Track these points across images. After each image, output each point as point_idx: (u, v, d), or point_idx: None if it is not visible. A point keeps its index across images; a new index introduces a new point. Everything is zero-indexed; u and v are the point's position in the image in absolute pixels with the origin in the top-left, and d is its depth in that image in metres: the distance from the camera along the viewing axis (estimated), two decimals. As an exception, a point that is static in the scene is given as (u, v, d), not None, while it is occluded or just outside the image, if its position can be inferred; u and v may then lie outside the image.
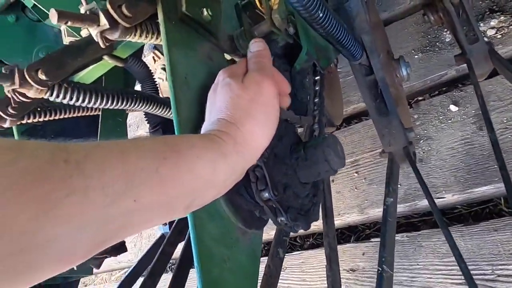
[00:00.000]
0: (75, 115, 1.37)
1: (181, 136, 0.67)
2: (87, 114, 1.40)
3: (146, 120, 2.00)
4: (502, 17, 2.31)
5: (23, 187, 0.35)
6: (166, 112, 1.33)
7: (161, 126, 2.00)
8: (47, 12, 1.33)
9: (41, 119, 1.23)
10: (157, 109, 1.28)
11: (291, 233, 1.37)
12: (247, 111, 0.66)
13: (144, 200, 0.45)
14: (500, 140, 1.73)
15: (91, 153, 0.43)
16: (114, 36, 0.82)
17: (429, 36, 2.56)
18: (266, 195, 0.71)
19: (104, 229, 0.43)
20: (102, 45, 0.81)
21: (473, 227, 1.75)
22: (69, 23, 0.75)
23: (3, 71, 0.88)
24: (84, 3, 0.79)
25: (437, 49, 2.51)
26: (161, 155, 0.50)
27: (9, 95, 0.93)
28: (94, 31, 0.79)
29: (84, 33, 1.40)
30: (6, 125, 1.12)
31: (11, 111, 1.10)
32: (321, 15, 0.91)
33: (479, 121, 2.01)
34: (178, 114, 0.77)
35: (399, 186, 2.11)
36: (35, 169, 0.37)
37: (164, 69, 2.59)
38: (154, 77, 1.97)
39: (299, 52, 1.24)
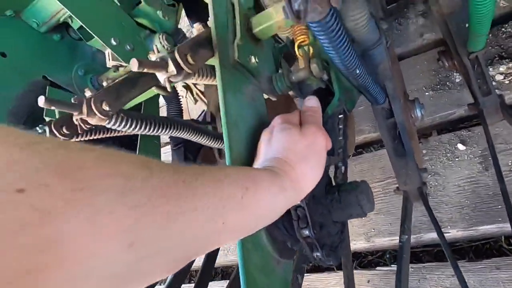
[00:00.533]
0: (113, 135, 1.48)
1: (254, 169, 0.76)
2: (123, 134, 1.51)
3: (169, 138, 2.11)
4: (510, 64, 2.44)
5: (154, 202, 0.40)
6: (207, 141, 1.44)
7: (182, 145, 2.11)
8: (92, 33, 1.45)
9: (86, 138, 1.33)
10: (199, 138, 1.39)
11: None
12: (302, 155, 0.77)
13: (229, 223, 0.52)
14: (506, 182, 1.83)
15: (201, 177, 0.50)
16: (177, 79, 0.93)
17: (439, 76, 2.68)
18: (306, 232, 0.81)
19: (197, 244, 0.50)
20: (169, 89, 0.93)
21: (476, 263, 1.84)
22: (145, 70, 0.86)
23: (73, 101, 0.99)
24: (155, 51, 0.90)
25: (447, 88, 2.63)
26: (244, 185, 0.58)
27: (76, 122, 1.04)
28: (162, 76, 0.91)
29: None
30: (59, 143, 1.22)
31: (65, 131, 1.21)
32: (358, 72, 1.03)
33: (485, 161, 2.12)
34: (231, 150, 0.88)
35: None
36: (163, 187, 0.42)
37: (185, 87, 2.72)
38: (180, 97, 2.10)
39: (328, 94, 1.36)
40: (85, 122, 1.03)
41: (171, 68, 0.89)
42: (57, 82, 1.74)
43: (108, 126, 1.09)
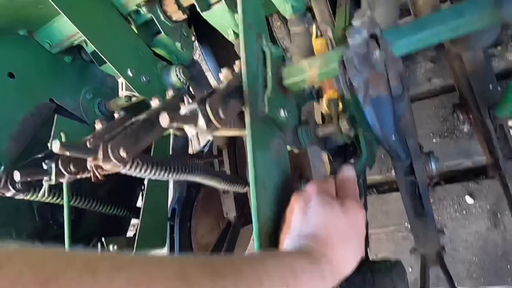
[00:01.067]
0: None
1: (292, 256, 0.69)
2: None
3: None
4: None
5: None
6: (224, 185, 1.37)
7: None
8: (109, 63, 1.39)
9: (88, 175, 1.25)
10: (217, 183, 1.32)
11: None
12: (344, 235, 0.70)
13: None
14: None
15: (240, 279, 0.49)
16: (205, 133, 0.87)
17: (447, 123, 2.68)
18: (337, 316, 0.74)
19: None
20: (197, 145, 0.86)
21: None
22: (175, 124, 0.80)
23: (88, 145, 0.92)
24: (186, 104, 0.85)
25: (455, 137, 2.61)
26: (285, 281, 0.56)
27: (90, 168, 0.97)
28: (191, 130, 0.84)
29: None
30: (64, 181, 1.14)
31: (72, 168, 1.13)
32: (393, 138, 0.98)
33: (494, 217, 2.08)
34: (259, 215, 0.82)
35: (410, 269, 2.12)
36: None
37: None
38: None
39: (349, 147, 1.31)
40: (98, 167, 0.96)
41: (201, 123, 0.83)
42: (64, 105, 1.67)
43: (122, 171, 1.01)
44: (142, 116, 1.13)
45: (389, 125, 0.90)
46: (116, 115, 1.48)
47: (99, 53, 1.34)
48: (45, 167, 1.13)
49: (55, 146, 0.84)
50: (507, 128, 1.46)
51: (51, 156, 1.23)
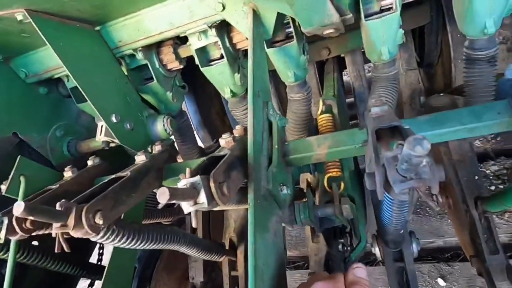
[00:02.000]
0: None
1: None
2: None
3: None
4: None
5: None
6: (198, 254, 1.22)
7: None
8: (93, 107, 1.26)
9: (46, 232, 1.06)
10: (191, 251, 1.17)
11: None
12: None
13: None
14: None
15: None
16: (204, 209, 0.76)
17: (420, 199, 2.71)
18: None
19: None
20: (194, 224, 0.74)
21: None
22: (174, 200, 0.68)
23: (58, 207, 0.77)
24: (187, 175, 0.74)
25: (427, 214, 2.64)
26: None
27: (56, 236, 0.80)
28: (189, 207, 0.73)
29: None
30: (15, 238, 0.95)
31: (28, 226, 0.95)
32: (402, 228, 0.92)
33: (466, 304, 2.04)
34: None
35: None
36: None
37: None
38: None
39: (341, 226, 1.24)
40: (66, 234, 0.80)
41: (203, 199, 0.72)
42: (28, 141, 1.48)
43: (94, 239, 0.85)
44: (125, 173, 1.00)
45: (404, 221, 0.83)
46: (89, 162, 1.33)
47: (84, 93, 1.22)
48: (-5, 221, 0.94)
49: (17, 209, 0.68)
50: (493, 222, 1.47)
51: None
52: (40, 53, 1.43)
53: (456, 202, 1.63)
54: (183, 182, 0.73)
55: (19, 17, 1.07)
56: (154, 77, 1.45)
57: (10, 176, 1.15)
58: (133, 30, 1.30)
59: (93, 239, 0.85)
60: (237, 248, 1.56)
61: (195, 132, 3.15)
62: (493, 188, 2.65)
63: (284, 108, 2.67)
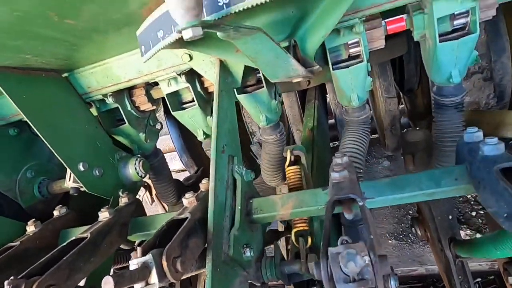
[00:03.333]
0: None
1: None
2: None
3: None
4: (468, 231, 2.53)
5: None
6: None
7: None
8: (57, 156, 1.23)
9: None
10: None
11: None
12: None
13: None
14: None
15: None
16: None
17: (403, 225, 2.72)
18: None
19: None
20: None
21: None
22: (121, 287, 0.66)
23: (7, 286, 0.74)
24: (139, 254, 0.72)
25: (409, 241, 2.64)
26: None
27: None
28: (140, 287, 0.71)
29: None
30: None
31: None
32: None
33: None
34: None
35: None
36: None
37: (144, 186, 2.48)
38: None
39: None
40: (15, 310, 0.77)
41: (154, 279, 0.70)
42: (1, 188, 1.44)
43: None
44: (85, 234, 0.97)
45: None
46: (55, 213, 1.30)
47: (48, 145, 1.19)
48: None
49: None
50: (467, 266, 1.47)
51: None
52: (5, 99, 1.41)
53: (433, 238, 1.64)
54: (134, 262, 0.71)
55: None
56: (125, 119, 1.44)
57: (-30, 233, 1.11)
58: (101, 77, 1.29)
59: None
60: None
61: (178, 157, 3.13)
62: (474, 213, 2.67)
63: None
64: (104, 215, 1.07)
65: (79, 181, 1.32)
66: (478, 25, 1.08)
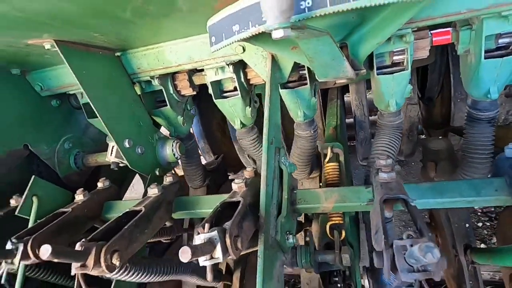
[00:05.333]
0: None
1: None
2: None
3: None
4: (473, 240, 2.58)
5: None
6: (199, 281, 1.27)
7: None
8: (107, 130, 1.29)
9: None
10: (193, 279, 1.21)
11: None
12: None
13: None
14: None
15: None
16: (218, 261, 0.80)
17: (409, 228, 2.79)
18: None
19: None
20: (209, 279, 0.79)
21: None
22: (195, 257, 0.72)
23: (78, 247, 0.81)
24: (206, 230, 0.78)
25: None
26: None
27: (77, 273, 0.84)
28: (204, 261, 0.77)
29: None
30: (28, 262, 0.98)
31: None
32: None
33: None
34: None
35: None
36: None
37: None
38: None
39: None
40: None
41: (218, 254, 0.77)
42: (38, 153, 1.50)
43: (107, 276, 0.89)
44: (138, 208, 1.04)
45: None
46: (99, 184, 1.36)
47: (100, 119, 1.25)
48: (9, 246, 0.97)
49: (44, 253, 0.72)
50: (479, 271, 1.54)
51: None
52: (58, 70, 1.46)
53: (445, 244, 1.71)
54: (201, 237, 0.78)
55: (47, 46, 1.10)
56: (167, 102, 1.49)
57: (24, 196, 1.18)
58: (153, 60, 1.34)
59: (106, 276, 0.90)
60: (233, 274, 1.61)
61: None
62: (480, 224, 2.74)
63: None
64: (153, 191, 1.13)
65: (122, 157, 1.38)
66: (523, 45, 1.13)
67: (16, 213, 1.16)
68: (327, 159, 1.21)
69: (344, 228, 1.15)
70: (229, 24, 0.88)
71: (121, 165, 1.49)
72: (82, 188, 1.24)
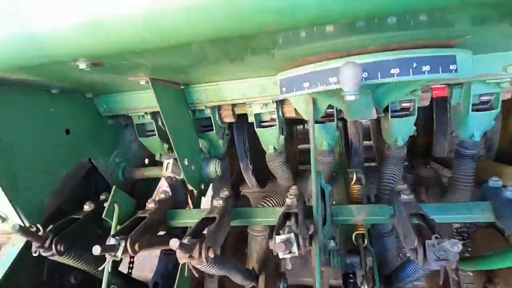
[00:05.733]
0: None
1: None
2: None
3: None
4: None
5: None
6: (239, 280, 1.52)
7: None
8: (176, 151, 1.55)
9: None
10: (236, 277, 1.47)
11: None
12: None
13: None
14: None
15: None
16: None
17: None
18: None
19: None
20: (289, 267, 1.07)
21: None
22: (287, 250, 1.01)
23: (113, 242, 1.09)
24: (285, 232, 1.07)
25: (400, 254, 3.04)
26: None
27: (186, 262, 1.10)
28: (284, 255, 1.06)
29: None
30: (125, 256, 1.22)
31: (137, 249, 1.23)
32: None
33: None
34: None
35: None
36: None
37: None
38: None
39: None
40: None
41: (294, 249, 1.05)
42: (97, 166, 1.73)
43: (198, 267, 1.15)
44: (212, 215, 1.31)
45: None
46: (162, 195, 1.61)
47: (172, 142, 1.50)
48: (113, 242, 1.20)
49: (173, 245, 0.98)
50: (462, 280, 1.89)
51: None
52: (122, 96, 1.72)
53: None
54: (282, 237, 1.06)
55: (142, 82, 1.37)
56: (214, 128, 1.78)
57: (108, 203, 1.41)
58: (211, 94, 1.63)
59: (197, 266, 1.16)
60: (259, 276, 1.87)
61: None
62: (454, 242, 3.11)
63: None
64: (218, 202, 1.40)
65: (178, 172, 1.65)
66: (500, 104, 1.51)
67: (103, 216, 1.39)
68: (352, 182, 1.54)
69: (366, 237, 1.47)
70: (300, 81, 1.20)
71: (173, 179, 1.74)
72: (153, 198, 1.49)
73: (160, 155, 1.93)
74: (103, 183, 1.80)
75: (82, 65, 1.04)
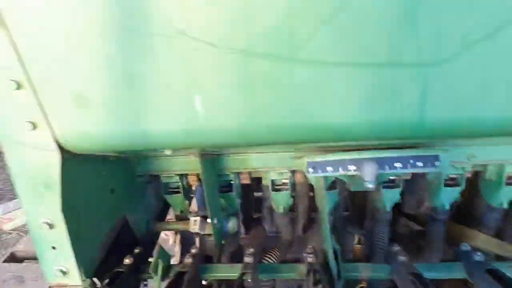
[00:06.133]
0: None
1: None
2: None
3: None
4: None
5: None
6: None
7: None
8: (209, 211, 1.81)
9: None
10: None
11: None
12: None
13: None
14: None
15: None
16: None
17: None
18: None
19: None
20: None
21: None
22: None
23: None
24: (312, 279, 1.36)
25: None
26: None
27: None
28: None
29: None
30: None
31: None
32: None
33: None
34: None
35: None
36: None
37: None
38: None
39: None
40: None
41: None
42: (130, 222, 1.93)
43: None
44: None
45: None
46: (193, 251, 1.83)
47: (207, 203, 1.77)
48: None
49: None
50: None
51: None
52: (161, 160, 1.96)
53: None
54: None
55: (191, 156, 1.66)
56: (234, 190, 2.07)
57: (154, 259, 1.62)
58: (238, 163, 1.94)
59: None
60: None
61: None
62: None
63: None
64: (249, 259, 1.66)
65: (205, 228, 1.90)
66: (464, 181, 1.96)
67: (150, 271, 1.58)
68: (356, 241, 1.87)
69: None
70: (325, 165, 1.55)
71: (200, 233, 1.97)
72: (191, 253, 1.71)
73: (182, 211, 2.16)
74: (129, 236, 1.99)
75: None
